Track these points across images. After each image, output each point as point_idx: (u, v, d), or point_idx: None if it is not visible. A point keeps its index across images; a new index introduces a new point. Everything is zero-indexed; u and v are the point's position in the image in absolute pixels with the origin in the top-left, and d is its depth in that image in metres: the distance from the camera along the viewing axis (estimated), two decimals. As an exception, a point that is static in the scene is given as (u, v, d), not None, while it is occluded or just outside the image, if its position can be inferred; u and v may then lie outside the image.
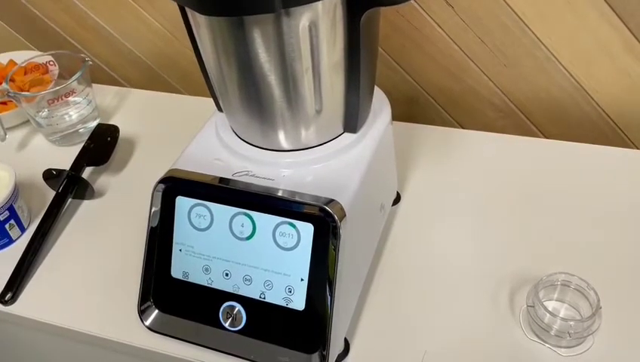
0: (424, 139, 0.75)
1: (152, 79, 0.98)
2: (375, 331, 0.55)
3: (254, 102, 0.49)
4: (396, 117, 0.60)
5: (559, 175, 0.69)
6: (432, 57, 0.79)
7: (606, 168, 0.69)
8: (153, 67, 0.97)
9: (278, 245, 0.49)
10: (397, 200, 0.67)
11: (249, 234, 0.50)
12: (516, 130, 0.82)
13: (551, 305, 0.54)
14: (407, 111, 0.85)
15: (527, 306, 0.53)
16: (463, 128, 0.85)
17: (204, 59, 0.51)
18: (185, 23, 0.50)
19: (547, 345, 0.52)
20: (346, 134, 0.53)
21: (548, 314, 0.51)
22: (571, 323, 0.50)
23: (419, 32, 0.76)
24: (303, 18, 0.42)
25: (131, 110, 0.86)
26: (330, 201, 0.48)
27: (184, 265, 0.52)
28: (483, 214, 0.65)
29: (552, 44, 0.72)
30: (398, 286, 0.59)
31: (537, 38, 0.72)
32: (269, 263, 0.49)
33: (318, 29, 0.43)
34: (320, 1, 0.41)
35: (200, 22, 0.46)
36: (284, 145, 0.52)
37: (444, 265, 0.60)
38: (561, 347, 0.52)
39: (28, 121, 0.82)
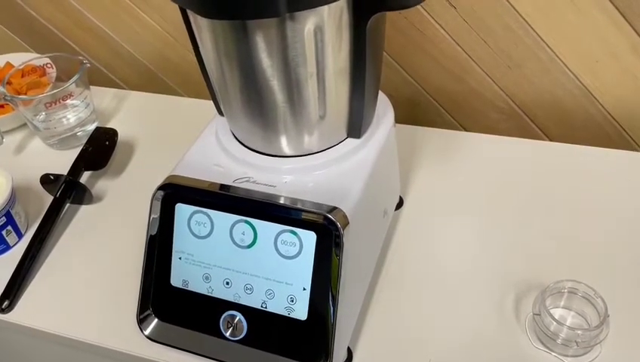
0: (427, 142, 0.74)
1: (151, 81, 0.97)
2: (378, 339, 0.54)
3: (256, 107, 0.48)
4: (398, 119, 0.59)
5: (564, 178, 0.68)
6: (434, 59, 0.78)
7: (611, 171, 0.68)
8: (152, 69, 0.96)
9: (279, 253, 0.48)
10: (400, 204, 0.66)
11: (250, 242, 0.49)
12: (520, 132, 0.81)
13: (557, 312, 0.54)
14: (409, 113, 0.85)
15: (534, 314, 0.52)
16: (465, 130, 0.84)
17: (205, 62, 0.50)
18: (186, 26, 0.49)
19: (553, 353, 0.51)
20: (349, 139, 0.53)
21: (554, 323, 0.50)
22: (579, 331, 0.50)
23: (421, 33, 0.75)
24: (308, 22, 0.41)
25: (130, 113, 0.85)
26: (333, 209, 0.47)
27: (184, 274, 0.51)
28: (487, 218, 0.64)
29: (556, 45, 0.71)
30: (401, 292, 0.58)
31: (541, 38, 0.71)
32: (270, 272, 0.48)
33: (324, 34, 0.42)
34: (326, 6, 0.40)
35: (202, 25, 0.45)
36: (287, 150, 0.51)
37: (448, 270, 0.59)
38: (567, 356, 0.51)
39: (25, 124, 0.81)
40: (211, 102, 0.56)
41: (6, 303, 0.59)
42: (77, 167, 0.71)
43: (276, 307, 0.49)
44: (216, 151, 0.54)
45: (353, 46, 0.45)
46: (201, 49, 0.49)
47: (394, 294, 0.57)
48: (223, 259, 0.50)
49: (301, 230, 0.47)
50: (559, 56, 0.72)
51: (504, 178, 0.68)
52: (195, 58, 0.52)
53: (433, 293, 0.57)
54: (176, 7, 0.45)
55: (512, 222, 0.63)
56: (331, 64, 0.45)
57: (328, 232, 0.46)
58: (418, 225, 0.64)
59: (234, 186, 0.50)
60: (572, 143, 0.72)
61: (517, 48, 0.73)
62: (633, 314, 0.54)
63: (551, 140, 0.81)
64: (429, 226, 0.64)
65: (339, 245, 0.46)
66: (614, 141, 0.77)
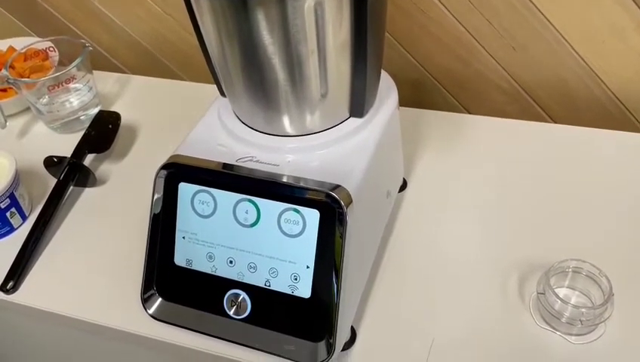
0: (430, 125, 0.74)
1: (152, 64, 0.97)
2: (382, 319, 0.54)
3: (258, 86, 0.47)
4: (402, 102, 0.59)
5: (568, 160, 0.67)
6: (438, 40, 0.77)
7: (615, 153, 0.68)
8: (153, 52, 0.96)
9: (283, 232, 0.48)
10: (403, 186, 0.66)
11: (253, 220, 0.49)
12: (524, 114, 0.81)
13: (562, 292, 0.53)
14: (412, 96, 0.84)
15: (538, 293, 0.52)
16: (469, 113, 0.84)
17: (206, 42, 0.50)
18: (186, 5, 0.48)
19: (558, 332, 0.51)
20: (352, 119, 0.52)
21: (559, 301, 0.50)
22: (583, 310, 0.49)
23: (425, 14, 0.75)
24: (308, -2, 0.41)
25: (132, 97, 0.85)
26: (336, 187, 0.46)
27: (188, 253, 0.51)
28: (491, 200, 0.64)
29: (562, 25, 0.71)
30: (405, 273, 0.58)
31: (546, 19, 0.70)
32: (274, 250, 0.48)
33: (324, 10, 0.42)
34: (326, -20, 0.40)
35: (202, 3, 0.45)
36: (289, 130, 0.51)
37: (452, 251, 0.59)
38: (571, 334, 0.51)
39: (28, 108, 0.81)
40: (213, 85, 0.55)
41: (10, 284, 0.59)
42: (80, 150, 0.71)
43: (280, 285, 0.49)
44: (219, 132, 0.54)
45: (354, 22, 0.44)
46: (201, 28, 0.49)
47: (397, 274, 0.57)
48: (226, 237, 0.50)
49: (304, 208, 0.47)
50: (565, 36, 0.71)
51: (508, 160, 0.68)
52: (197, 39, 0.51)
53: (437, 274, 0.57)
54: (177, -13, 0.44)
55: (516, 203, 0.63)
56: (332, 41, 0.44)
57: (331, 210, 0.46)
58: (422, 207, 0.64)
59: (237, 165, 0.50)
60: (576, 125, 0.71)
61: (522, 29, 0.72)
62: (638, 293, 0.54)
63: (555, 122, 0.80)
64: (432, 208, 0.64)
65: (342, 223, 0.46)
66: (619, 122, 0.77)
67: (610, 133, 0.70)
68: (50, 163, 0.68)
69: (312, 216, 0.47)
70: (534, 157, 0.68)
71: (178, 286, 0.52)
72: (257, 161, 0.50)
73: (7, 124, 0.77)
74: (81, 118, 0.79)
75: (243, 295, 0.50)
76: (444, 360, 0.51)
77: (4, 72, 0.75)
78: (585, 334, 0.51)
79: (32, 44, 0.80)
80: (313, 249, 0.47)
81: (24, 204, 0.66)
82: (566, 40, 0.72)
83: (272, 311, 0.49)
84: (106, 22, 0.94)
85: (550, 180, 0.65)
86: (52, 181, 0.68)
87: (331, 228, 0.46)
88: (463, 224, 0.62)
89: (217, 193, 0.49)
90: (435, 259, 0.59)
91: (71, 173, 0.68)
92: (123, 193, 0.69)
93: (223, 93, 0.55)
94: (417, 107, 0.75)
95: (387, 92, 0.56)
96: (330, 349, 0.47)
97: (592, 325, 0.50)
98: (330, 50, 0.45)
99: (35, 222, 0.64)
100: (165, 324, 0.53)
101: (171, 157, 0.52)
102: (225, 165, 0.50)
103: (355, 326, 0.53)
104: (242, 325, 0.50)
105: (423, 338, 0.52)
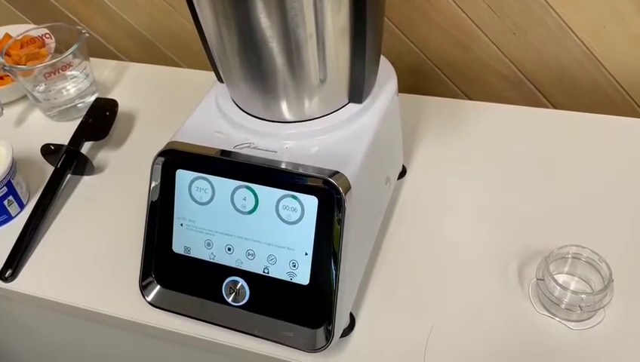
0: (431, 111, 0.73)
1: (150, 52, 0.96)
2: (381, 306, 0.54)
3: (256, 71, 0.47)
4: (401, 88, 0.58)
5: (569, 146, 0.67)
6: (439, 26, 0.76)
7: (617, 138, 0.67)
8: (151, 39, 0.95)
9: (281, 219, 0.47)
10: (403, 173, 0.66)
11: (251, 207, 0.48)
12: (525, 100, 0.80)
13: (561, 278, 0.53)
14: (413, 82, 0.83)
15: (537, 279, 0.52)
16: (469, 99, 0.83)
17: (203, 26, 0.49)
18: (183, -11, 0.48)
19: (557, 318, 0.51)
20: (350, 105, 0.52)
21: (558, 288, 0.50)
22: (582, 296, 0.49)
23: (425, 0, 0.74)
24: (305, -21, 0.40)
25: (130, 84, 0.84)
26: (335, 173, 0.46)
27: (186, 240, 0.51)
28: (491, 187, 0.63)
29: (563, 10, 0.70)
30: (404, 259, 0.57)
31: (548, 3, 0.70)
32: (272, 237, 0.48)
33: (322, -8, 0.42)
34: (324, -39, 0.39)
35: (198, -14, 0.44)
36: (287, 116, 0.50)
37: (452, 238, 0.59)
38: (571, 320, 0.51)
39: (25, 96, 0.81)
40: (211, 72, 0.55)
41: (9, 272, 0.59)
42: (78, 138, 0.71)
43: (278, 272, 0.48)
44: (217, 118, 0.53)
45: (353, 5, 0.44)
46: (198, 13, 0.48)
47: (397, 261, 0.57)
48: (224, 225, 0.50)
49: (302, 195, 0.46)
50: (566, 21, 0.71)
51: (508, 147, 0.68)
52: (194, 23, 0.51)
53: (436, 260, 0.57)
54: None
55: (516, 190, 0.63)
56: (331, 24, 0.44)
57: (330, 197, 0.46)
58: (421, 194, 0.64)
59: (235, 152, 0.49)
60: (577, 111, 0.71)
61: (522, 14, 0.72)
62: (637, 279, 0.53)
63: (555, 108, 0.80)
64: (432, 195, 0.63)
65: (341, 209, 0.46)
66: (620, 108, 0.76)
67: (611, 118, 0.70)
68: (48, 151, 0.68)
69: (311, 202, 0.46)
70: (535, 143, 0.68)
71: (176, 274, 0.52)
72: (255, 148, 0.50)
73: (4, 111, 0.77)
74: (78, 105, 0.78)
75: (241, 282, 0.50)
76: (443, 346, 0.51)
77: (-1, 59, 0.74)
78: (584, 320, 0.51)
79: (28, 31, 0.80)
80: (312, 236, 0.47)
81: (21, 192, 0.66)
82: (567, 25, 0.71)
83: (271, 297, 0.49)
84: (103, 8, 0.93)
85: (550, 166, 0.65)
86: (49, 169, 0.68)
87: (330, 214, 0.46)
88: (463, 210, 0.61)
89: (215, 180, 0.49)
90: (435, 245, 0.58)
91: (68, 161, 0.68)
92: (121, 181, 0.69)
93: (220, 79, 0.55)
94: (417, 93, 0.75)
95: (386, 78, 0.56)
96: (328, 336, 0.47)
97: (592, 311, 0.50)
98: (328, 33, 0.44)
99: (33, 210, 0.64)
100: (163, 311, 0.53)
101: (168, 143, 0.51)
102: (222, 152, 0.50)
103: (353, 313, 0.53)
104: (241, 312, 0.50)
105: (422, 325, 0.52)
